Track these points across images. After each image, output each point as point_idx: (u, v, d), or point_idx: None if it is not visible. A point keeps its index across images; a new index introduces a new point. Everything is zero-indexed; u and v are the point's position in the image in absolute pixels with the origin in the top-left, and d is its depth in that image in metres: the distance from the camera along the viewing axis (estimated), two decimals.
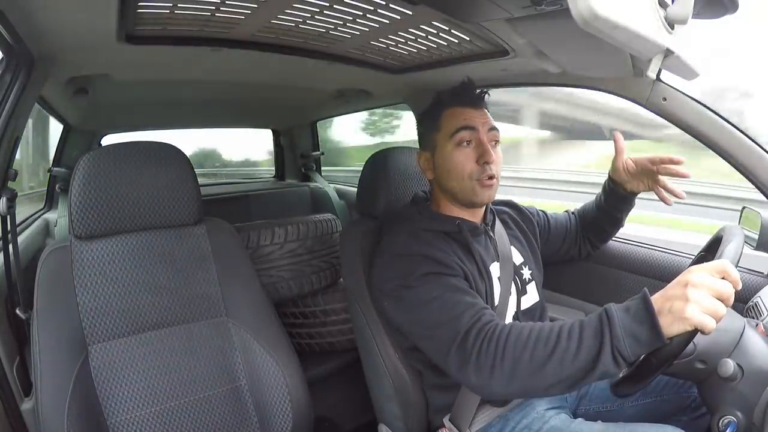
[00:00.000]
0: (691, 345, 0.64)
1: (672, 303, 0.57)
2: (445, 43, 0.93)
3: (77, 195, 0.84)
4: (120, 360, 0.83)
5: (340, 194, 2.15)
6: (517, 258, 0.94)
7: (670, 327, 0.57)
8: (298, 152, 2.32)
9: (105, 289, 0.85)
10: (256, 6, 0.76)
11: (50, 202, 1.82)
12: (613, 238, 1.16)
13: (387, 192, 1.02)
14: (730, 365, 0.63)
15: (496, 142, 0.88)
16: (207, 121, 2.22)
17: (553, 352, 0.63)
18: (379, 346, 0.91)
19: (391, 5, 0.75)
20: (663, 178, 0.92)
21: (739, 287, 0.58)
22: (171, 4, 0.74)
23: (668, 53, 0.56)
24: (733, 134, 0.86)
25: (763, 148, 0.85)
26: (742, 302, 0.88)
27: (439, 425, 0.89)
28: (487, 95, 0.90)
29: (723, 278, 0.57)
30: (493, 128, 0.87)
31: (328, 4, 0.76)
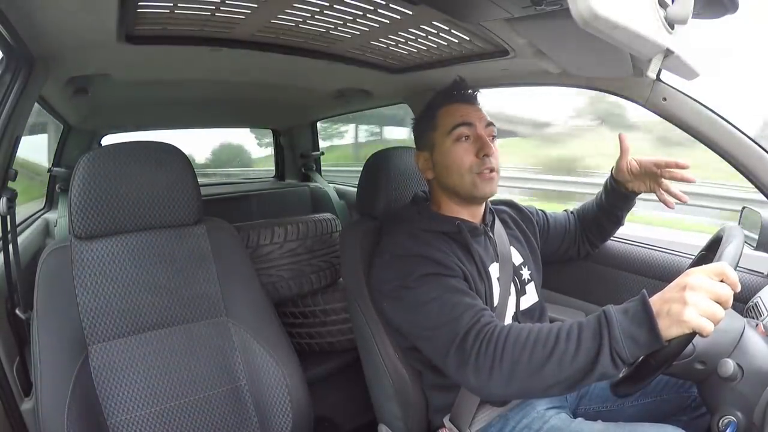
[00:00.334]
0: (690, 346, 0.64)
1: (670, 306, 0.57)
2: (445, 43, 0.93)
3: (77, 195, 0.84)
4: (120, 360, 0.83)
5: (340, 194, 2.15)
6: (517, 258, 0.94)
7: (669, 329, 0.57)
8: (298, 152, 2.32)
9: (105, 289, 0.85)
10: (256, 6, 0.76)
11: (50, 202, 1.82)
12: (613, 238, 1.16)
13: (387, 192, 1.02)
14: (730, 365, 0.63)
15: (493, 137, 0.88)
16: (207, 120, 2.22)
17: (551, 353, 0.63)
18: (378, 346, 0.91)
19: (391, 5, 0.75)
20: (666, 181, 0.92)
21: (738, 289, 0.58)
22: (171, 4, 0.74)
23: (668, 53, 0.56)
24: (733, 134, 0.86)
25: (763, 148, 0.85)
26: (742, 302, 0.88)
27: (439, 425, 0.89)
28: (478, 92, 0.91)
29: (721, 281, 0.57)
30: (490, 124, 0.88)
31: (328, 4, 0.76)
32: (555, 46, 0.83)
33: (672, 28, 0.54)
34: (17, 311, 0.89)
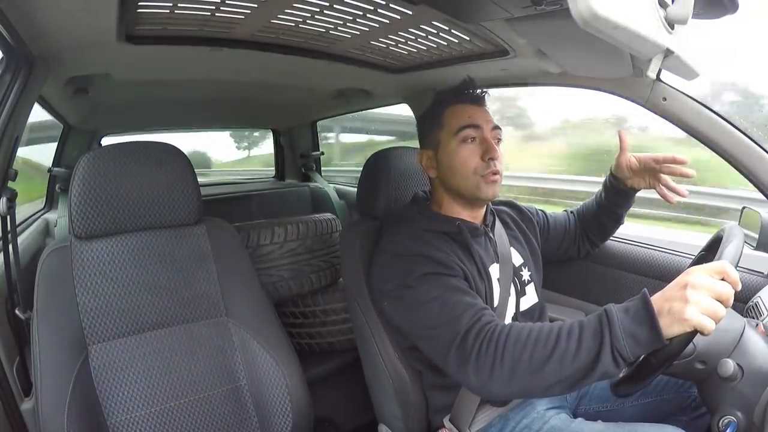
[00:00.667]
0: (690, 345, 0.64)
1: (671, 304, 0.57)
2: (445, 43, 0.93)
3: (77, 195, 0.84)
4: (120, 360, 0.83)
5: (340, 194, 2.15)
6: (517, 259, 0.94)
7: (670, 328, 0.57)
8: (298, 152, 2.32)
9: (105, 289, 0.85)
10: (256, 6, 0.76)
11: (50, 202, 1.82)
12: (613, 238, 1.16)
13: (387, 192, 1.02)
14: (730, 365, 0.63)
15: (499, 140, 0.88)
16: (207, 121, 2.22)
17: (552, 352, 0.63)
18: (378, 346, 0.91)
19: (391, 5, 0.75)
20: (665, 177, 0.92)
21: (739, 288, 0.58)
22: (171, 4, 0.74)
23: (668, 53, 0.56)
24: (733, 134, 0.86)
25: (763, 148, 0.85)
26: (742, 302, 0.88)
27: (439, 425, 0.89)
28: (486, 94, 0.91)
29: (722, 279, 0.57)
30: (496, 127, 0.88)
31: (328, 4, 0.76)
32: (555, 46, 0.83)
33: (672, 28, 0.54)
34: (17, 311, 0.89)
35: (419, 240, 0.83)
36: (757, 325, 0.74)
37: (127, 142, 0.92)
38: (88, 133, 1.84)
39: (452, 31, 0.85)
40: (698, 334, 0.57)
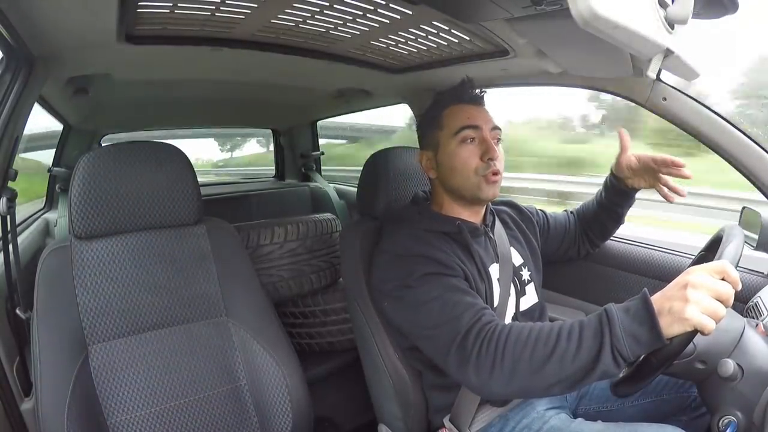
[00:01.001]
0: (691, 345, 0.64)
1: (672, 303, 0.57)
2: (445, 43, 0.93)
3: (77, 195, 0.84)
4: (120, 360, 0.83)
5: (340, 194, 2.15)
6: (517, 259, 0.94)
7: (670, 327, 0.57)
8: (298, 152, 2.32)
9: (105, 289, 0.85)
10: (256, 6, 0.76)
11: (50, 202, 1.82)
12: (613, 238, 1.16)
13: (387, 192, 1.02)
14: (730, 365, 0.63)
15: (498, 140, 0.88)
16: (207, 120, 2.22)
17: (553, 352, 0.63)
18: (378, 346, 0.91)
19: (391, 5, 0.75)
20: (665, 177, 0.92)
21: (739, 288, 0.58)
22: (171, 4, 0.74)
23: (668, 53, 0.56)
24: (732, 134, 0.86)
25: (763, 148, 0.85)
26: (742, 302, 0.88)
27: (439, 425, 0.89)
28: (485, 94, 0.91)
29: (722, 279, 0.57)
30: (496, 127, 0.87)
31: (328, 4, 0.76)
32: (555, 46, 0.83)
33: (672, 28, 0.54)
34: (17, 311, 0.89)
35: (420, 240, 0.83)
36: (757, 325, 0.74)
37: (126, 142, 0.92)
38: (88, 133, 1.84)
39: (452, 31, 0.85)
40: (698, 333, 0.57)
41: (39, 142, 1.89)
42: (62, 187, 1.75)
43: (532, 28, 0.74)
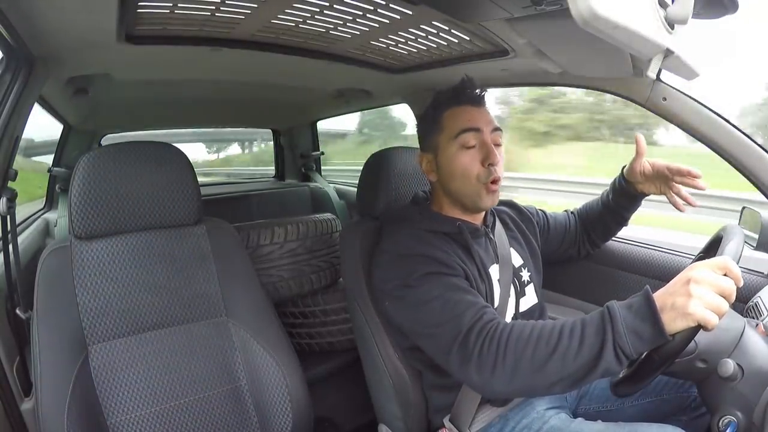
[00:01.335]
0: (692, 344, 0.64)
1: (675, 299, 0.57)
2: (445, 43, 0.93)
3: (77, 195, 0.84)
4: (120, 360, 0.83)
5: (340, 194, 2.15)
6: (516, 260, 0.94)
7: (673, 323, 0.57)
8: (298, 152, 2.32)
9: (105, 289, 0.85)
10: (256, 6, 0.76)
11: (50, 202, 1.83)
12: (613, 238, 1.16)
13: (387, 192, 1.02)
14: (730, 365, 0.63)
15: (499, 142, 0.87)
16: (207, 120, 2.22)
17: (555, 350, 0.63)
18: (378, 346, 0.91)
19: (391, 5, 0.75)
20: (678, 186, 0.91)
21: (741, 284, 0.58)
22: (171, 4, 0.74)
23: (668, 53, 0.56)
24: (732, 134, 0.86)
25: (763, 148, 0.85)
26: (742, 302, 0.88)
27: (439, 425, 0.89)
28: (486, 93, 0.89)
29: (725, 275, 0.58)
30: (497, 128, 0.86)
31: (328, 4, 0.76)
32: (555, 46, 0.83)
33: (672, 28, 0.54)
34: (17, 311, 0.89)
35: (420, 240, 0.83)
36: (757, 325, 0.74)
37: (127, 142, 0.92)
38: (88, 133, 1.85)
39: (452, 31, 0.85)
40: (701, 329, 0.57)
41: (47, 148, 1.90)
42: (62, 187, 1.75)
43: (532, 28, 0.74)
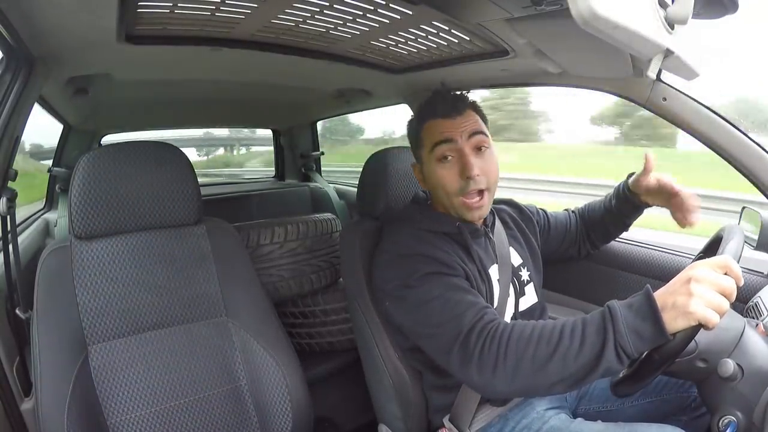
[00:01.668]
0: (692, 344, 0.64)
1: (675, 298, 0.57)
2: (445, 43, 0.93)
3: (77, 195, 0.84)
4: (120, 360, 0.83)
5: (340, 194, 2.15)
6: (516, 259, 0.94)
7: (674, 322, 0.57)
8: (298, 152, 2.32)
9: (105, 289, 0.85)
10: (256, 6, 0.76)
11: (50, 202, 1.82)
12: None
13: (387, 192, 1.02)
14: (730, 365, 0.63)
15: (484, 147, 0.84)
16: (207, 120, 2.22)
17: (555, 349, 0.63)
18: (378, 346, 0.91)
19: (391, 5, 0.75)
20: (680, 203, 0.91)
21: (741, 283, 0.58)
22: (171, 4, 0.74)
23: (668, 53, 0.56)
24: (733, 134, 0.86)
25: (763, 148, 0.85)
26: (742, 302, 0.88)
27: (438, 425, 0.89)
28: (465, 99, 0.87)
29: (725, 274, 0.58)
30: (476, 132, 0.83)
31: (328, 4, 0.76)
32: (555, 46, 0.83)
33: (672, 28, 0.54)
34: (17, 311, 0.89)
35: (421, 240, 0.83)
36: (757, 325, 0.74)
37: (127, 142, 0.92)
38: (88, 133, 1.85)
39: (452, 31, 0.85)
40: (702, 328, 0.57)
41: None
42: (62, 187, 1.75)
43: (532, 28, 0.74)
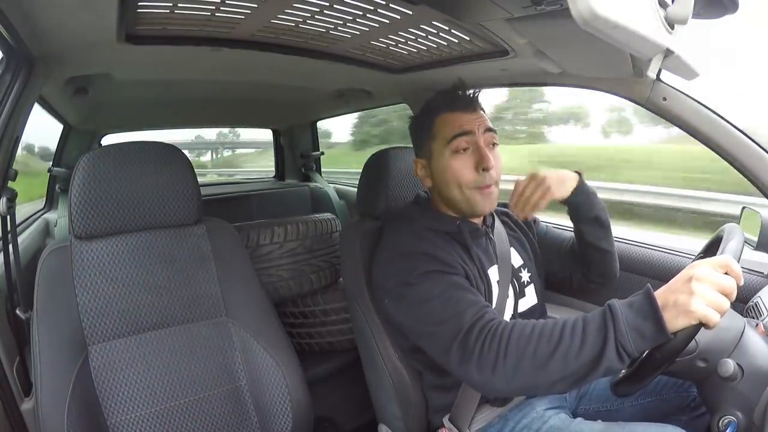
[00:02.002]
0: (692, 343, 0.64)
1: (676, 297, 0.57)
2: (445, 43, 0.93)
3: (77, 195, 0.84)
4: (120, 360, 0.83)
5: (340, 194, 2.15)
6: (517, 260, 0.94)
7: (675, 321, 0.57)
8: (298, 152, 2.32)
9: (105, 289, 0.85)
10: (256, 6, 0.76)
11: (50, 202, 1.83)
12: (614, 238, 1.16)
13: (387, 192, 1.02)
14: (730, 365, 0.63)
15: (494, 144, 0.86)
16: (207, 120, 2.22)
17: (556, 348, 0.62)
18: (378, 346, 0.91)
19: (391, 5, 0.75)
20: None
21: (741, 282, 0.58)
22: (171, 4, 0.74)
23: (668, 53, 0.56)
24: (733, 134, 0.86)
25: (763, 148, 0.85)
26: (742, 302, 0.88)
27: (438, 425, 0.89)
28: (479, 94, 0.88)
29: (726, 273, 0.58)
30: (490, 129, 0.85)
31: (328, 4, 0.76)
32: (555, 46, 0.83)
33: (672, 28, 0.54)
34: (17, 311, 0.89)
35: (421, 238, 0.83)
36: (757, 325, 0.74)
37: (127, 142, 0.92)
38: (88, 133, 1.85)
39: (452, 31, 0.85)
40: (702, 327, 0.57)
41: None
42: (62, 187, 1.75)
43: (532, 28, 0.74)
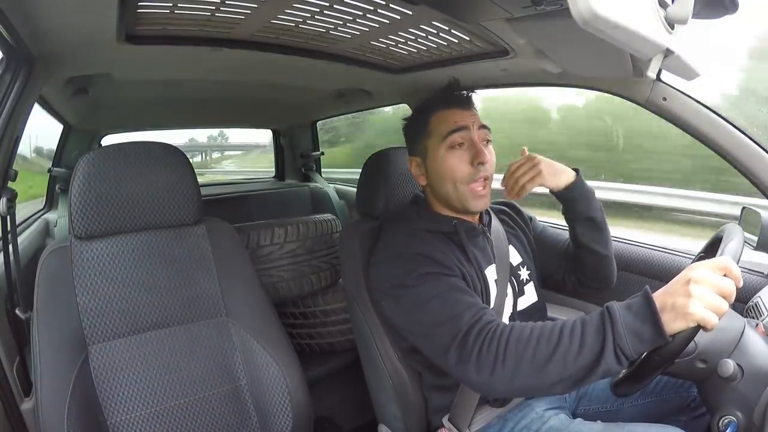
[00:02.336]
0: (692, 344, 0.64)
1: (675, 299, 0.57)
2: (445, 43, 0.93)
3: (77, 195, 0.84)
4: (120, 360, 0.83)
5: (340, 194, 2.15)
6: (515, 258, 0.94)
7: (673, 323, 0.57)
8: (298, 152, 2.32)
9: (105, 289, 0.85)
10: (256, 6, 0.76)
11: (50, 202, 1.83)
12: (613, 238, 1.15)
13: (387, 192, 1.02)
14: (730, 365, 0.63)
15: (488, 141, 0.87)
16: (207, 120, 2.22)
17: (555, 350, 0.62)
18: (378, 346, 0.91)
19: (391, 5, 0.75)
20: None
21: (740, 284, 0.58)
22: (171, 4, 0.74)
23: (668, 53, 0.56)
24: (733, 134, 0.86)
25: (763, 148, 0.85)
26: (742, 302, 0.88)
27: (438, 425, 0.89)
28: (474, 94, 0.89)
29: (725, 275, 0.58)
30: (483, 126, 0.86)
31: (328, 4, 0.76)
32: (555, 46, 0.83)
33: (672, 28, 0.54)
34: (17, 311, 0.89)
35: (419, 239, 0.83)
36: (757, 325, 0.74)
37: (127, 143, 0.92)
38: (88, 133, 1.85)
39: (452, 31, 0.85)
40: (701, 330, 0.57)
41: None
42: (62, 188, 1.75)
43: (532, 28, 0.74)
